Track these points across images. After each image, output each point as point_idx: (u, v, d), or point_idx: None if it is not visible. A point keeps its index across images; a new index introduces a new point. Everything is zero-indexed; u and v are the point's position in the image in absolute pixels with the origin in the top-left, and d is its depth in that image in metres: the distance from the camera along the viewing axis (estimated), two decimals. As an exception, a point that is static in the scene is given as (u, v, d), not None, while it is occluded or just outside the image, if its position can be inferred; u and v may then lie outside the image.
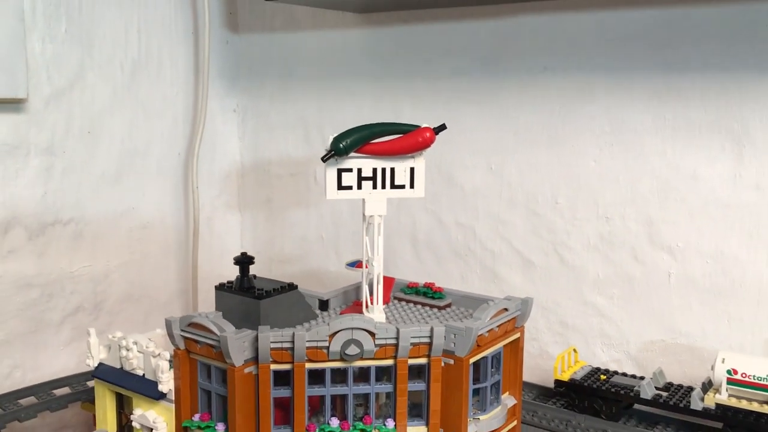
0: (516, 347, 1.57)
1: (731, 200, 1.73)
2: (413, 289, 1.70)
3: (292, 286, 1.50)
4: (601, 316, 1.92)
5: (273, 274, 2.58)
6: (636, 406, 1.72)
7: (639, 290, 1.86)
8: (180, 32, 2.39)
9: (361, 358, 1.38)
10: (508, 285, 2.04)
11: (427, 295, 1.67)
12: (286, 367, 1.36)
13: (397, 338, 1.37)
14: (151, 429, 1.47)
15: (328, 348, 1.36)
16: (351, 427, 1.39)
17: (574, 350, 1.84)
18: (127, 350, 1.50)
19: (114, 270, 2.27)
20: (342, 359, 1.37)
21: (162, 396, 1.45)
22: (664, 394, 1.67)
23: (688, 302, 1.80)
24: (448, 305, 1.65)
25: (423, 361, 1.39)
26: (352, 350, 1.36)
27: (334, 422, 1.39)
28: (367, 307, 1.52)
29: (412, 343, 1.37)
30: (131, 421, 1.53)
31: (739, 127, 1.70)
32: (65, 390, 1.94)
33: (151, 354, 1.46)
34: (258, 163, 2.58)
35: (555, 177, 1.96)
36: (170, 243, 2.43)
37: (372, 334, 1.37)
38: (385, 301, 1.67)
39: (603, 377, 1.74)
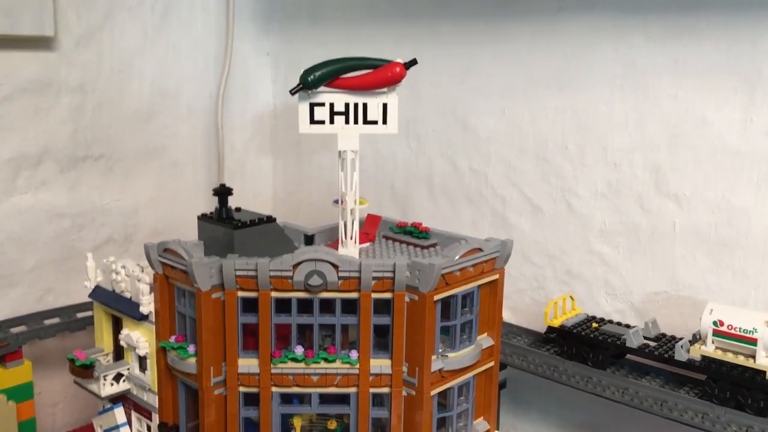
0: (494, 289, 1.55)
1: (741, 147, 1.63)
2: (401, 228, 1.70)
3: (270, 219, 1.53)
4: (605, 265, 1.87)
5: (301, 215, 2.64)
6: (628, 356, 1.68)
7: (644, 240, 1.79)
8: (211, -26, 2.44)
9: (325, 290, 1.40)
10: (518, 231, 2.01)
11: (414, 234, 1.67)
12: (253, 294, 1.41)
13: (359, 271, 1.39)
14: (135, 348, 1.55)
15: (292, 278, 1.40)
16: (315, 356, 1.43)
17: (571, 297, 1.80)
18: (116, 274, 1.58)
19: (144, 205, 2.37)
20: (306, 290, 1.41)
21: (144, 317, 1.52)
22: (653, 344, 1.62)
23: (693, 254, 1.72)
24: (434, 245, 1.65)
25: (388, 295, 1.41)
26: (315, 281, 1.39)
27: (299, 350, 1.43)
28: (342, 243, 1.55)
29: (375, 277, 1.38)
30: (123, 341, 1.62)
31: (752, 67, 1.59)
32: (88, 313, 2.06)
33: (135, 278, 1.53)
34: (289, 106, 2.61)
35: (565, 122, 1.90)
36: (199, 182, 2.52)
37: (335, 267, 1.39)
38: (372, 239, 1.68)
39: (595, 325, 1.71)
